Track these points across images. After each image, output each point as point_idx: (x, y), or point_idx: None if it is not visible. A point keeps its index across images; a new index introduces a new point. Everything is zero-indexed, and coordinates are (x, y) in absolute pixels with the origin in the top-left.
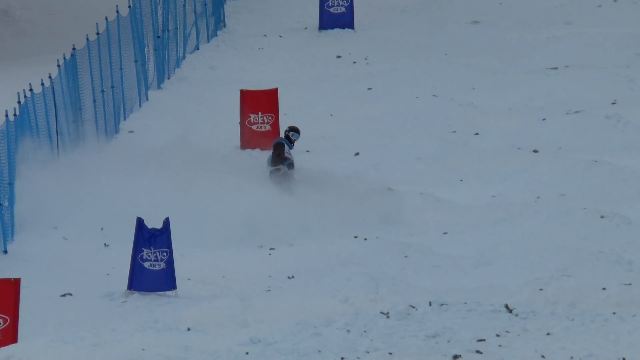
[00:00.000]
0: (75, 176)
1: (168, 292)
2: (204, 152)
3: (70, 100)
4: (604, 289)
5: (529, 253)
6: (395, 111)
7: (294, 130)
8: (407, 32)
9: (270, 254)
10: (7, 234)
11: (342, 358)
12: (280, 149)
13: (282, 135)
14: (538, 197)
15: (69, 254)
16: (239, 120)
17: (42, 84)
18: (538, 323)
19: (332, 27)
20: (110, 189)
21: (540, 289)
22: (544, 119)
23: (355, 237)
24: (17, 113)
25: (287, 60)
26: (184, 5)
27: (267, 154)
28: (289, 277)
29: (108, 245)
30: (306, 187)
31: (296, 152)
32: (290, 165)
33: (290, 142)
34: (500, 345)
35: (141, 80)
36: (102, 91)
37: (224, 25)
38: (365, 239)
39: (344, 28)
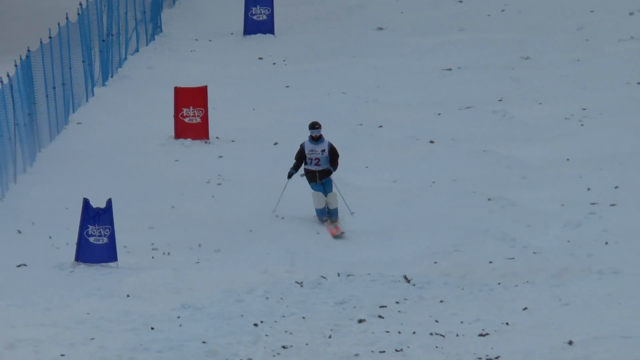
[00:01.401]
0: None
1: (110, 264)
2: (143, 138)
3: (25, 96)
4: (491, 262)
5: (425, 231)
6: (309, 106)
7: (310, 127)
8: (320, 37)
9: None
10: None
11: (262, 321)
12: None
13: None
14: (433, 182)
15: (24, 231)
16: (173, 114)
17: (1, 81)
18: (433, 292)
19: (255, 33)
20: (62, 173)
21: (435, 262)
22: (439, 114)
23: (277, 215)
24: None
25: (216, 61)
26: (126, 13)
27: (197, 143)
28: (215, 251)
29: (51, 237)
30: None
31: (225, 142)
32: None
33: (312, 139)
34: (399, 311)
35: (88, 78)
36: (54, 87)
37: (161, 31)
38: (283, 218)
39: (265, 33)
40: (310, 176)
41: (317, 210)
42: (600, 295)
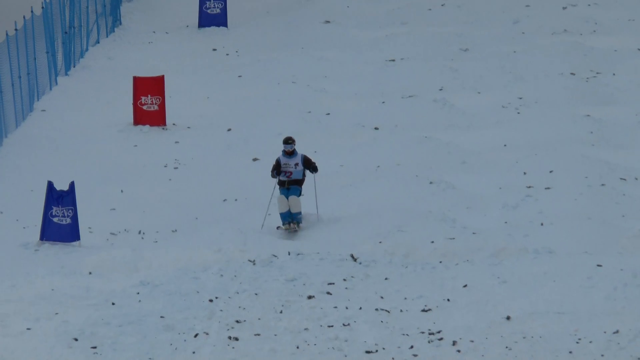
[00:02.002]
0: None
1: (73, 243)
2: (104, 124)
3: None
4: (432, 242)
5: (370, 212)
6: (260, 95)
7: (284, 142)
8: (270, 30)
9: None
10: None
11: (216, 297)
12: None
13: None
14: (378, 166)
15: None
16: (132, 102)
17: None
18: (378, 270)
19: (209, 25)
20: (27, 157)
21: (380, 242)
22: (383, 102)
23: (225, 200)
24: None
25: (172, 53)
26: (87, 7)
27: (155, 129)
28: (173, 231)
29: (17, 220)
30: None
31: (181, 129)
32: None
33: (286, 153)
34: (346, 288)
35: (52, 68)
36: (19, 77)
37: (120, 23)
38: (237, 200)
39: (219, 26)
40: (280, 183)
41: (280, 214)
42: (536, 273)
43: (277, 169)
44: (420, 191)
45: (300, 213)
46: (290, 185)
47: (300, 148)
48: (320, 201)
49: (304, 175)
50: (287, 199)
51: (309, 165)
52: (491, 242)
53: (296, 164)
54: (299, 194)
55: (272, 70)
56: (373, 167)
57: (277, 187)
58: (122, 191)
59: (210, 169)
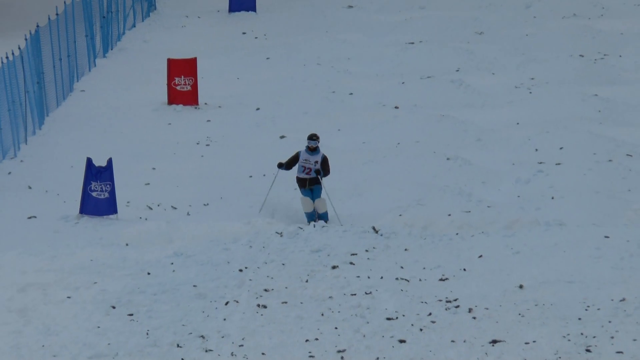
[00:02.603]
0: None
1: (111, 216)
2: (139, 104)
3: (35, 66)
4: (449, 215)
5: (390, 187)
6: (287, 76)
7: (308, 137)
8: (297, 15)
9: (189, 188)
10: None
11: (246, 267)
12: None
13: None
14: (398, 144)
15: (34, 186)
16: (166, 82)
17: (12, 53)
18: (398, 241)
19: (239, 10)
20: (68, 135)
21: (400, 215)
22: (403, 83)
23: (251, 176)
24: None
25: (204, 36)
26: None
27: (188, 108)
28: (205, 204)
29: (58, 194)
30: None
31: (212, 108)
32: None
33: (309, 149)
34: (368, 258)
35: (90, 51)
36: (60, 59)
37: (155, 8)
38: (265, 176)
39: (248, 11)
40: (300, 183)
41: (305, 214)
42: (547, 244)
43: (291, 164)
44: (438, 167)
45: (326, 213)
46: (312, 186)
47: (325, 126)
48: (343, 175)
49: (317, 174)
50: (313, 200)
51: (325, 167)
52: (505, 215)
53: (316, 162)
54: (322, 195)
55: (298, 52)
56: (393, 144)
57: (297, 187)
58: (154, 168)
59: (239, 146)
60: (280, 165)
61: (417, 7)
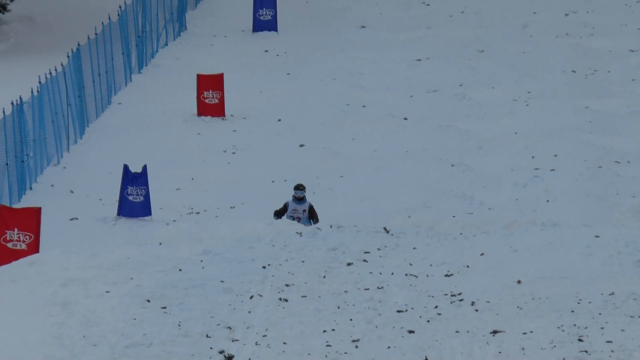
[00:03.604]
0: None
1: (145, 218)
2: (171, 115)
3: (76, 81)
4: (454, 216)
5: (400, 190)
6: (306, 90)
7: (295, 188)
8: (314, 34)
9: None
10: (31, 176)
11: (269, 264)
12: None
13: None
14: (407, 151)
15: (76, 191)
16: (195, 96)
17: (56, 69)
18: (407, 240)
19: (262, 30)
20: (106, 144)
21: (409, 216)
22: (411, 96)
23: (273, 181)
24: (39, 90)
25: (230, 53)
26: (157, 14)
27: (216, 119)
28: (231, 207)
29: (97, 197)
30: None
31: (238, 119)
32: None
33: (296, 199)
34: (380, 256)
35: (126, 67)
36: (99, 75)
37: (185, 28)
38: (285, 180)
39: (270, 31)
40: None
41: None
42: (543, 243)
43: (281, 214)
44: (443, 172)
45: None
46: None
47: (340, 135)
48: (356, 181)
49: (309, 223)
50: None
51: (312, 216)
52: (504, 216)
53: (304, 210)
54: None
55: (315, 68)
56: (402, 152)
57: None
58: (192, 179)
59: (262, 153)
60: (274, 216)
61: (423, 27)
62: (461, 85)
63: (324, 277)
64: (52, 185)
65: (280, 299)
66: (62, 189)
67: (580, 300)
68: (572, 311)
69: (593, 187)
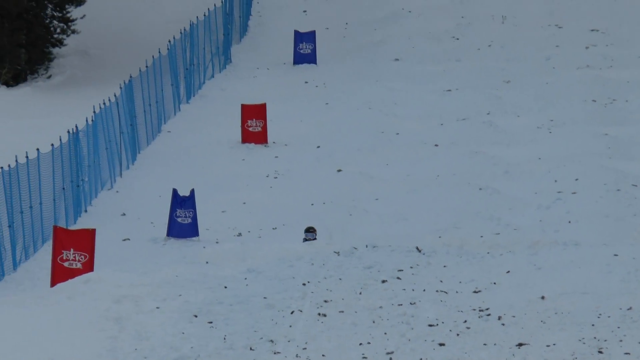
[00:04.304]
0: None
1: (193, 238)
2: (217, 143)
3: (128, 111)
4: (481, 236)
5: (431, 212)
6: (343, 118)
7: (305, 230)
8: (351, 66)
9: (260, 215)
10: (86, 199)
11: (308, 282)
12: None
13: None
14: (438, 176)
15: (128, 213)
16: (240, 124)
17: (109, 100)
18: (438, 259)
19: (302, 63)
20: (156, 169)
21: (439, 236)
22: (441, 124)
23: (312, 204)
24: (94, 119)
25: (272, 84)
26: (204, 48)
27: (259, 146)
28: (273, 228)
29: (145, 218)
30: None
31: (280, 146)
32: None
33: (306, 240)
34: (412, 274)
35: (175, 98)
36: (150, 105)
37: (231, 61)
38: (324, 203)
39: (309, 63)
40: None
41: None
42: (565, 261)
43: None
44: (471, 196)
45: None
46: None
47: (375, 160)
48: (390, 203)
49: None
50: None
51: None
52: (529, 236)
53: None
54: None
55: (352, 98)
56: (433, 176)
57: None
58: (244, 203)
59: (302, 178)
60: None
61: (453, 60)
62: (488, 114)
63: (360, 293)
64: (107, 203)
65: (319, 314)
66: (115, 212)
67: (600, 314)
68: (593, 325)
69: (612, 208)
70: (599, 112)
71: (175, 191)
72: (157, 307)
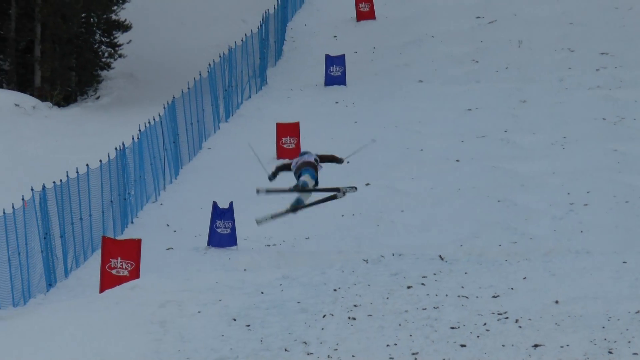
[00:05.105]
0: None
1: (232, 247)
2: (254, 160)
3: (171, 129)
4: (500, 245)
5: (453, 223)
6: (371, 136)
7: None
8: (378, 87)
9: (294, 225)
10: (133, 212)
11: (339, 287)
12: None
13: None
14: (459, 189)
15: (171, 224)
16: (275, 141)
17: (154, 119)
18: (459, 266)
19: (332, 84)
20: (198, 183)
21: (461, 245)
22: (462, 141)
23: (342, 215)
24: (139, 137)
25: (305, 104)
26: (242, 70)
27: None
28: (306, 238)
29: (182, 228)
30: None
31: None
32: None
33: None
34: (436, 280)
35: (215, 117)
36: (191, 124)
37: (266, 83)
38: (353, 215)
39: (340, 85)
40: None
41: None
42: (577, 268)
43: (284, 169)
44: (490, 207)
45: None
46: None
47: (400, 175)
48: (415, 215)
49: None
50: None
51: (323, 159)
52: (543, 245)
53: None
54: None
55: (379, 117)
56: (455, 189)
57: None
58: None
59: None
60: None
61: (473, 81)
62: (506, 131)
63: (387, 298)
64: (152, 215)
65: (349, 317)
66: (159, 223)
67: (610, 317)
68: (603, 327)
69: (621, 219)
70: (609, 129)
71: (215, 204)
72: (199, 312)
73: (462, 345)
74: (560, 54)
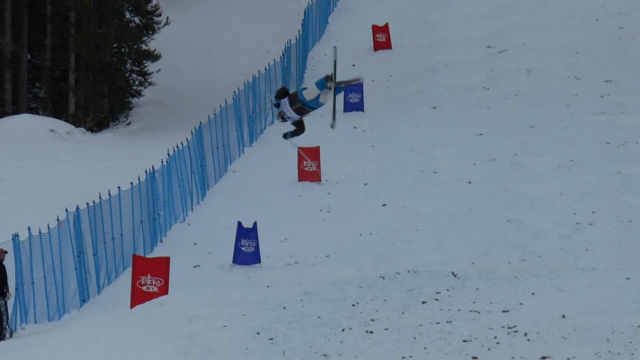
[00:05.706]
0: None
1: (256, 265)
2: (277, 181)
3: (198, 153)
4: (509, 262)
5: (465, 241)
6: (387, 159)
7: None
8: (394, 113)
9: (314, 244)
10: (162, 231)
11: (357, 303)
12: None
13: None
14: (471, 209)
15: (198, 243)
16: (297, 164)
17: (182, 144)
18: (471, 283)
19: (351, 110)
20: (223, 204)
21: (472, 263)
22: (474, 164)
23: (360, 234)
24: (168, 161)
25: (325, 130)
26: (265, 97)
27: (313, 184)
28: (326, 256)
29: (209, 248)
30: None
31: (332, 183)
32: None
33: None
34: (449, 296)
35: (240, 141)
36: (217, 148)
37: None
38: (371, 234)
39: (357, 111)
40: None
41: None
42: (583, 284)
43: (286, 94)
44: (501, 227)
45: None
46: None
47: (415, 196)
48: (429, 234)
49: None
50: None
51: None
52: (551, 263)
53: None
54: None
55: (395, 141)
56: (467, 210)
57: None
58: (295, 233)
59: (352, 212)
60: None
61: (484, 108)
62: (515, 155)
63: (403, 313)
64: (179, 234)
65: (366, 331)
66: (186, 242)
67: (614, 331)
68: (607, 340)
69: (625, 238)
70: (613, 153)
71: (239, 223)
72: (224, 326)
73: (474, 358)
74: (566, 81)
